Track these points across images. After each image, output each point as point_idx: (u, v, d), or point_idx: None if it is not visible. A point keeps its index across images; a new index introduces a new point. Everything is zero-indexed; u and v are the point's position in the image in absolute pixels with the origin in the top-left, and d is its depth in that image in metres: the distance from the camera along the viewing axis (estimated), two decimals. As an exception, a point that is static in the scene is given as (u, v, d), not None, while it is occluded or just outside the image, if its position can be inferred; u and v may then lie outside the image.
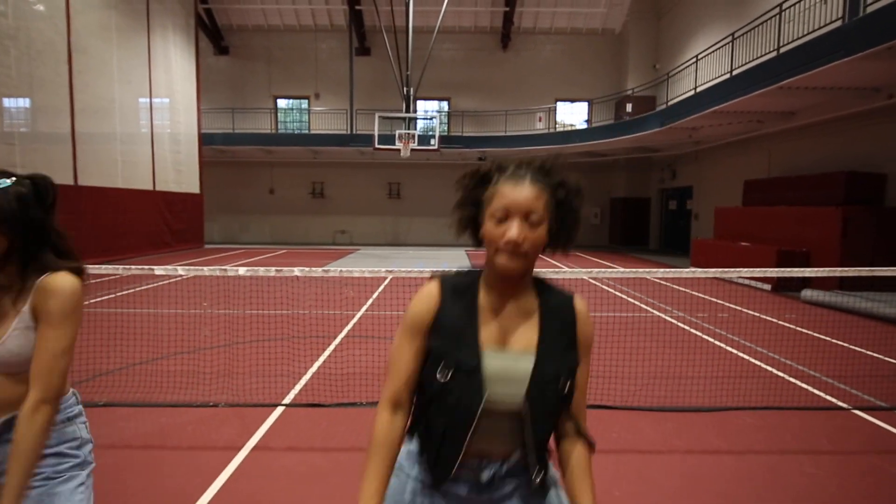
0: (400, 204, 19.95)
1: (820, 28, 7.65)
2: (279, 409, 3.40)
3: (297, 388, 3.82)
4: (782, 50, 8.44)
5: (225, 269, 3.35)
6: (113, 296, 7.56)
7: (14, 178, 1.17)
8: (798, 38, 8.13)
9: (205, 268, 3.35)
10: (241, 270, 3.35)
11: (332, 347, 4.96)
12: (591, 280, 9.82)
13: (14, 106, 9.49)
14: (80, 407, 1.33)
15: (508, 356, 1.05)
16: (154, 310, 6.64)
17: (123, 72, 12.55)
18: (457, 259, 14.44)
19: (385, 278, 9.60)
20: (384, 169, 19.49)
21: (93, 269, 3.35)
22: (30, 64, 9.64)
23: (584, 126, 18.97)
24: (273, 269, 3.35)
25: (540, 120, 18.52)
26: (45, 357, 1.15)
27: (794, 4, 8.36)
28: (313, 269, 3.34)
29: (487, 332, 1.06)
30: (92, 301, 7.15)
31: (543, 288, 1.12)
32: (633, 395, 3.71)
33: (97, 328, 5.33)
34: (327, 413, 3.36)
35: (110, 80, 12.09)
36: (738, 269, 3.36)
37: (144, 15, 13.49)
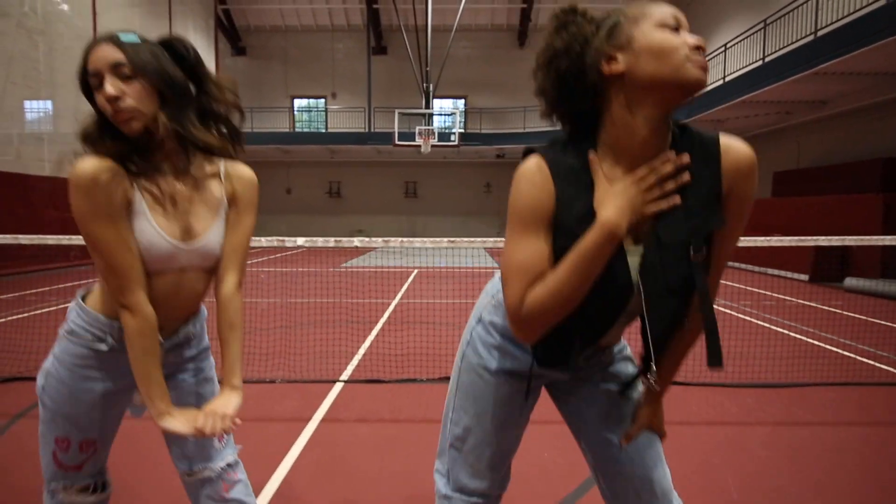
0: (416, 203, 19.88)
1: (862, 8, 7.46)
2: (338, 385, 3.29)
3: (352, 366, 3.71)
4: (820, 33, 8.25)
5: (283, 240, 3.26)
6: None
7: (146, 40, 1.02)
8: (836, 21, 7.95)
9: (262, 239, 3.27)
10: (300, 241, 3.26)
11: (375, 331, 4.86)
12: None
13: (42, 104, 9.54)
14: None
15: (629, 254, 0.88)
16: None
17: (146, 70, 12.62)
18: (476, 255, 14.32)
19: (412, 271, 9.51)
20: (401, 168, 19.45)
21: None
22: (57, 62, 9.69)
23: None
24: (332, 239, 3.25)
25: (557, 117, 18.37)
26: (243, 242, 1.15)
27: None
28: (374, 239, 3.24)
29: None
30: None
31: (682, 137, 0.87)
32: (703, 373, 3.56)
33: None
34: (389, 388, 3.25)
35: (134, 79, 12.16)
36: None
37: (167, 16, 13.59)
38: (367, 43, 18.37)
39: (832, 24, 8.06)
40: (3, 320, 5.23)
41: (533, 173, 0.87)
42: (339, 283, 7.93)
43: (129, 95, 0.96)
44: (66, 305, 4.40)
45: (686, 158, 0.83)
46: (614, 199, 0.82)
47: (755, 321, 5.41)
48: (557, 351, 0.98)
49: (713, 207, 0.85)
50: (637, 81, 0.81)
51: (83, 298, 1.15)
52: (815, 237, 3.28)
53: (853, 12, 7.66)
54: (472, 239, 3.27)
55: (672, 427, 2.73)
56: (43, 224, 9.27)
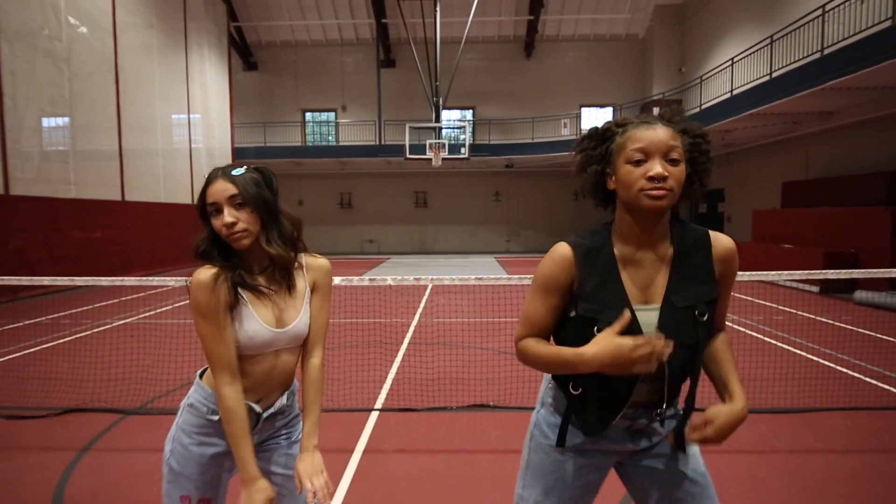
0: (427, 213, 20.13)
1: (866, 29, 7.61)
2: (374, 415, 3.51)
3: (384, 393, 3.93)
4: (826, 51, 8.41)
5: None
6: (171, 307, 7.79)
7: (246, 168, 1.30)
8: (843, 39, 8.10)
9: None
10: (337, 280, 3.48)
11: (401, 354, 5.07)
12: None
13: (66, 125, 9.84)
14: None
15: (648, 310, 1.10)
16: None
17: (164, 89, 12.96)
18: (487, 266, 14.52)
19: (427, 286, 9.73)
20: (410, 178, 19.71)
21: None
22: (81, 85, 10.02)
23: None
24: (367, 278, 3.47)
25: (565, 126, 18.58)
26: (324, 324, 1.40)
27: (838, 6, 8.35)
28: (405, 277, 3.45)
29: (632, 287, 1.10)
30: (161, 310, 7.39)
31: (678, 229, 1.14)
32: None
33: (178, 337, 5.52)
34: (422, 418, 3.45)
35: (152, 98, 12.50)
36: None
37: (182, 34, 13.92)
38: (376, 56, 18.67)
39: (839, 42, 8.21)
40: (45, 346, 5.50)
41: (559, 255, 1.13)
42: (362, 298, 8.15)
43: (241, 220, 1.25)
44: (102, 328, 4.77)
45: (669, 349, 1.00)
46: (605, 347, 1.01)
47: (767, 339, 5.57)
48: (597, 418, 1.16)
49: (709, 280, 1.12)
50: (619, 199, 1.10)
51: (201, 376, 1.39)
52: (824, 271, 3.46)
53: (859, 32, 7.81)
54: (496, 275, 3.46)
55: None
56: (70, 245, 9.59)
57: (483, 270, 13.24)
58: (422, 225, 20.16)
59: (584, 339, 1.09)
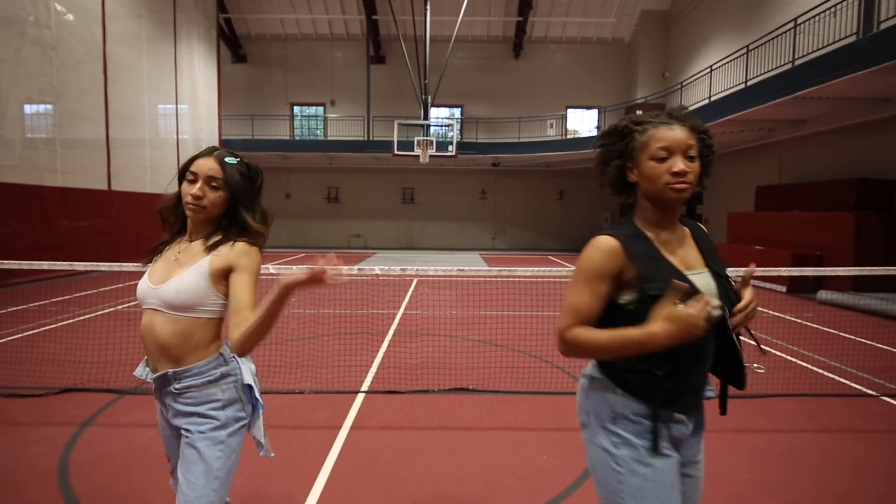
0: (414, 209, 20.31)
1: (834, 42, 8.01)
2: (360, 396, 3.73)
3: (370, 377, 4.15)
4: (797, 62, 8.81)
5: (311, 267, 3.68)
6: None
7: (239, 160, 1.44)
8: (813, 52, 8.50)
9: (293, 267, 3.69)
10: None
11: (386, 342, 5.29)
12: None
13: (53, 113, 9.82)
14: (232, 366, 1.41)
15: (698, 275, 1.21)
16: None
17: (153, 80, 12.94)
18: (472, 262, 14.78)
19: (412, 280, 9.95)
20: (398, 174, 19.86)
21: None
22: (69, 73, 10.00)
23: (595, 133, 19.33)
24: (355, 267, 3.68)
25: (551, 126, 18.90)
26: (242, 297, 1.32)
27: (809, 20, 8.74)
28: (391, 267, 3.68)
29: (675, 261, 1.21)
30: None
31: (682, 219, 1.30)
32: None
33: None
34: (405, 399, 3.69)
35: (140, 88, 12.48)
36: (777, 269, 3.67)
37: (171, 25, 13.89)
38: (366, 52, 18.78)
39: (810, 53, 8.60)
40: (36, 331, 5.61)
41: (606, 245, 1.18)
42: (350, 291, 8.34)
43: (207, 199, 1.37)
44: (93, 314, 5.02)
45: (712, 305, 1.12)
46: (673, 317, 1.06)
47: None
48: (689, 389, 1.24)
49: (719, 256, 1.30)
50: (642, 190, 1.23)
51: None
52: (788, 269, 3.77)
53: (828, 45, 8.21)
54: (476, 267, 3.70)
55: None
56: (57, 233, 9.60)
57: (465, 265, 13.49)
58: (409, 221, 20.34)
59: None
